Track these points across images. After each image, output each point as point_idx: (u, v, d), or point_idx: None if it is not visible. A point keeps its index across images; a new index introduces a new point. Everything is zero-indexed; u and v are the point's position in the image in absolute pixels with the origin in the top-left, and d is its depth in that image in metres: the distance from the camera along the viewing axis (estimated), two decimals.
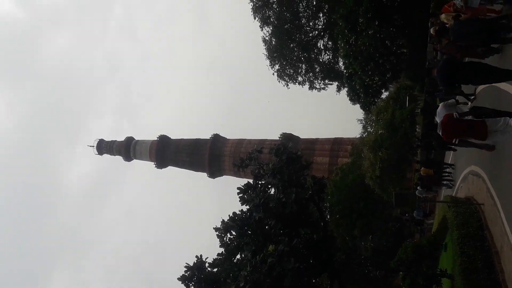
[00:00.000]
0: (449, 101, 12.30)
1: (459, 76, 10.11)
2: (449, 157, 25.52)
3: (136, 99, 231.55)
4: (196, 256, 15.91)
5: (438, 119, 10.99)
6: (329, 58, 52.69)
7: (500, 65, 10.39)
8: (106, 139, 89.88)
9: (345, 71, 39.54)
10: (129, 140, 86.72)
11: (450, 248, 16.74)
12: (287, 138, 64.42)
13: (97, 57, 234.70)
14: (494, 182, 12.78)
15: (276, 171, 16.88)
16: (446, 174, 24.71)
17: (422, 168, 24.26)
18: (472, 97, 13.03)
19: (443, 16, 12.51)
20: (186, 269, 15.64)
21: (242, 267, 14.10)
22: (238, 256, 16.20)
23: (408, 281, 18.86)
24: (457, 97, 12.77)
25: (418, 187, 27.41)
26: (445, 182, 24.76)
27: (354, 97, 41.50)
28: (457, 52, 10.80)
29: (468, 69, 10.12)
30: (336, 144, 65.46)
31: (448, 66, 10.11)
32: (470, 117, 9.70)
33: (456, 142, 10.39)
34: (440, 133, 10.22)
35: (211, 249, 16.86)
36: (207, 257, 16.22)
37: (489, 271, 11.23)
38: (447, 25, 11.43)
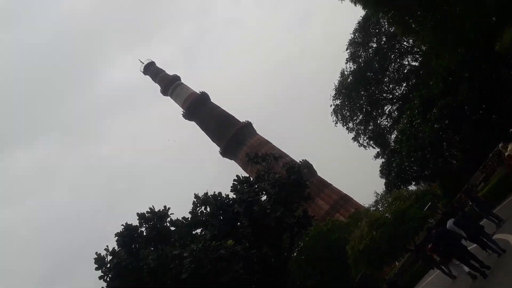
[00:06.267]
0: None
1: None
2: None
3: (204, 48, 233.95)
4: (164, 206, 16.02)
5: None
6: (386, 125, 52.22)
7: None
8: (157, 64, 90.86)
9: (393, 145, 39.14)
10: (175, 78, 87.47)
11: None
12: (306, 166, 64.16)
13: None
14: None
15: (278, 184, 16.85)
16: None
17: None
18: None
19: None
20: (150, 210, 15.77)
21: (196, 241, 14.09)
22: (198, 231, 16.23)
23: None
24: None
25: None
26: None
27: (384, 172, 41.03)
28: None
29: None
30: (343, 199, 64.92)
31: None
32: None
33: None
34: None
35: (180, 207, 16.94)
36: (172, 213, 16.26)
37: None
38: None
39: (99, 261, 14.33)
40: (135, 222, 15.61)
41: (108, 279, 14.27)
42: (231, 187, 17.07)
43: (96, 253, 14.44)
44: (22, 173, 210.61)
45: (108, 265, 14.32)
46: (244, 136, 76.31)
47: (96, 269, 14.30)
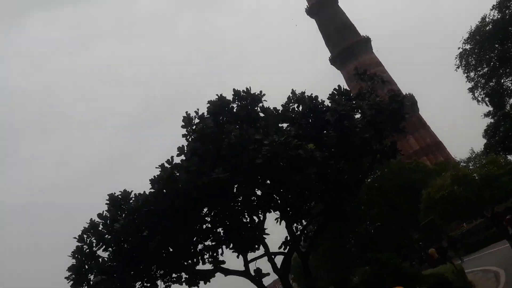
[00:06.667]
0: None
1: None
2: None
3: None
4: (260, 91, 16.24)
5: None
6: (509, 86, 48.49)
7: None
8: None
9: (508, 108, 36.70)
10: None
11: None
12: (410, 100, 61.92)
13: None
14: None
15: (377, 107, 16.35)
16: None
17: None
18: None
19: None
20: (246, 90, 16.08)
21: (279, 133, 14.14)
22: (285, 126, 16.30)
23: None
24: None
25: None
26: None
27: (489, 133, 38.84)
28: None
29: None
30: (435, 145, 62.74)
31: None
32: None
33: None
34: None
35: (272, 99, 16.98)
36: (265, 100, 16.43)
37: None
38: None
39: (187, 120, 15.03)
40: (229, 97, 16.01)
41: (190, 139, 15.06)
42: (329, 95, 16.80)
43: (186, 112, 15.11)
44: (140, 17, 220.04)
45: (194, 127, 15.01)
46: (359, 50, 74.14)
47: (182, 126, 15.03)
